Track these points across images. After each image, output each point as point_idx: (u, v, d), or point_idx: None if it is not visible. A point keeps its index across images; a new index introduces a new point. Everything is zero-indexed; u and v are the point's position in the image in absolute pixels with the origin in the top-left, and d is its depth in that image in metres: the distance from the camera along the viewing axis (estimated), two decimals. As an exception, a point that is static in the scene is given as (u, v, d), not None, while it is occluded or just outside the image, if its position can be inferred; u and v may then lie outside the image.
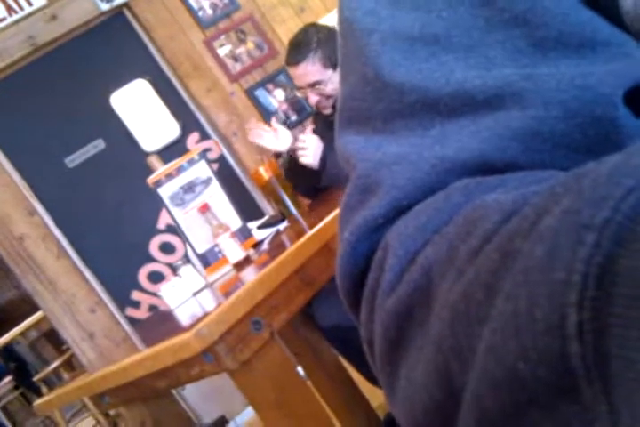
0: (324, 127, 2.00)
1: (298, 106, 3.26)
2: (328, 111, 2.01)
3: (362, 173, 0.28)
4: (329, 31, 1.92)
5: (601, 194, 0.14)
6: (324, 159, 1.85)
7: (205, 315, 1.12)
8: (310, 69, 1.87)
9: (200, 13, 3.16)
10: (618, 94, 0.23)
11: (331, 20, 3.33)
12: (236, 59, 3.20)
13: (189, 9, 3.15)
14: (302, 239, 1.28)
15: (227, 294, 1.29)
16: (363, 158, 0.28)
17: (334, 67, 1.87)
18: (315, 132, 2.04)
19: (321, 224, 1.34)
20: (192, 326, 1.04)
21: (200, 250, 1.54)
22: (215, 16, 3.18)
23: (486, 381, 0.16)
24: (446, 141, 0.25)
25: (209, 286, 1.52)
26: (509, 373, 0.15)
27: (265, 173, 1.93)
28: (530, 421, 0.15)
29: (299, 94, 2.09)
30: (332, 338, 1.81)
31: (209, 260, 1.54)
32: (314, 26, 1.96)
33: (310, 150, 1.86)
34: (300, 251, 1.28)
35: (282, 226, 1.77)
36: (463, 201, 0.22)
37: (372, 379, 1.79)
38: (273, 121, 2.02)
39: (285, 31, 3.22)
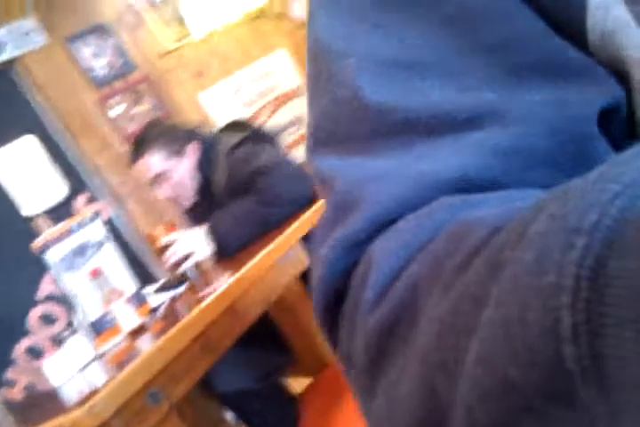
0: (198, 215, 1.89)
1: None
2: (189, 202, 1.90)
3: (341, 189, 0.27)
4: (169, 124, 1.93)
5: (588, 200, 0.14)
6: (218, 238, 1.71)
7: (96, 390, 1.03)
8: (151, 161, 1.80)
9: (94, 72, 3.11)
10: (594, 114, 0.24)
11: (228, 84, 3.37)
12: (130, 119, 3.14)
13: (83, 68, 3.09)
14: (204, 303, 1.23)
15: (120, 366, 1.19)
16: (342, 176, 0.28)
17: (179, 155, 1.81)
18: (191, 223, 1.95)
19: (224, 286, 1.29)
20: (83, 402, 0.95)
21: (90, 318, 1.43)
22: (110, 75, 3.13)
23: (476, 392, 0.16)
24: (428, 159, 0.25)
25: (100, 357, 1.41)
26: (501, 381, 0.15)
27: (162, 234, 1.86)
28: None
29: (142, 195, 2.01)
30: (232, 404, 1.72)
31: (100, 329, 1.43)
32: (154, 122, 1.98)
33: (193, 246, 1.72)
34: (202, 315, 1.22)
35: (180, 290, 1.69)
36: (447, 218, 0.23)
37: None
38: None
39: (183, 94, 3.22)
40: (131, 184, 3.03)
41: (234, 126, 1.96)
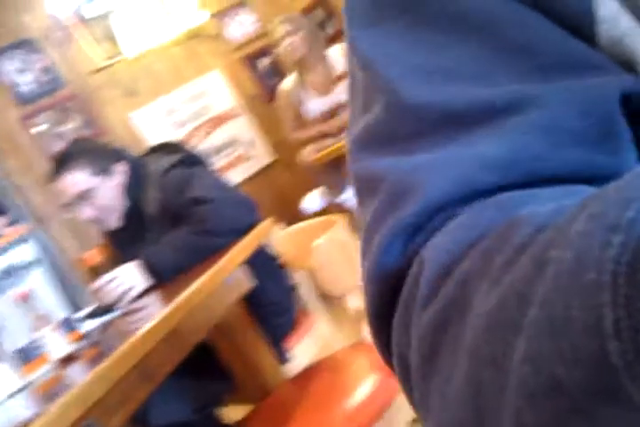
0: (125, 238, 1.79)
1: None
2: (113, 225, 1.79)
3: (393, 181, 0.28)
4: (95, 142, 1.86)
5: (625, 196, 0.14)
6: (156, 267, 1.62)
7: (22, 424, 0.96)
8: (76, 179, 1.67)
9: (19, 88, 2.99)
10: (617, 96, 0.26)
11: (161, 104, 3.31)
12: (58, 137, 3.03)
13: (7, 83, 2.96)
14: (144, 329, 1.17)
15: (48, 396, 1.12)
16: (391, 171, 0.28)
17: (105, 174, 1.71)
18: (116, 247, 1.86)
19: (164, 312, 1.25)
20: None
21: (16, 346, 1.35)
22: (36, 92, 3.02)
23: (524, 392, 0.16)
24: (475, 145, 0.27)
25: (26, 387, 1.33)
26: (548, 380, 0.15)
27: (93, 257, 1.79)
28: None
29: (67, 215, 1.87)
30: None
31: (25, 358, 1.35)
32: (79, 139, 1.90)
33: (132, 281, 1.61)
34: (141, 342, 1.17)
35: (112, 316, 1.62)
36: (497, 216, 0.23)
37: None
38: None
39: (114, 112, 3.14)
40: (56, 204, 2.92)
41: (165, 148, 1.88)
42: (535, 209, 0.21)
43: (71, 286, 2.71)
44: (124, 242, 1.80)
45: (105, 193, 1.71)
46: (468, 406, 0.19)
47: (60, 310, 1.50)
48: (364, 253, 0.29)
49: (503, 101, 0.27)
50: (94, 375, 1.02)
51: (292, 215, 3.25)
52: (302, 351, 1.78)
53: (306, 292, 1.70)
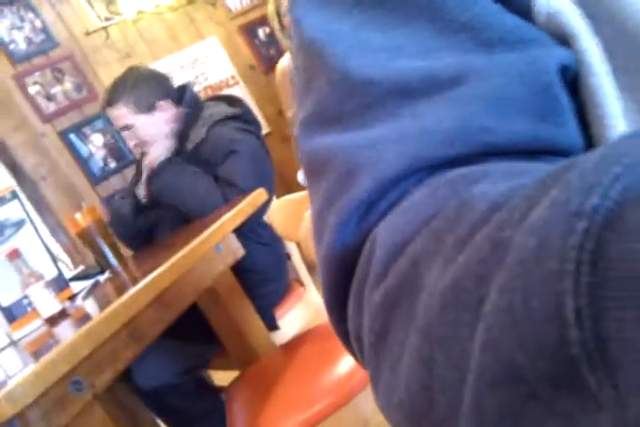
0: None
1: (117, 153, 3.10)
2: (156, 156, 1.93)
3: (342, 159, 0.28)
4: (148, 74, 1.88)
5: (589, 182, 0.14)
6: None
7: (9, 378, 0.96)
8: (119, 113, 1.81)
9: (12, 46, 2.93)
10: (556, 66, 0.27)
11: (157, 68, 3.27)
12: (50, 98, 2.98)
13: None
14: (133, 289, 1.17)
15: (36, 354, 1.12)
16: (340, 148, 0.28)
17: (147, 111, 1.83)
18: (137, 174, 1.96)
19: (154, 274, 1.24)
20: (-1, 388, 0.88)
21: (5, 302, 1.34)
22: (29, 51, 2.96)
23: (484, 379, 0.16)
24: (422, 117, 0.27)
25: (14, 344, 1.32)
26: (508, 368, 0.15)
27: (82, 219, 1.78)
28: (530, 418, 0.15)
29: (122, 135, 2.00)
30: (150, 401, 1.66)
31: (15, 314, 1.34)
32: (135, 68, 1.91)
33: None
34: (131, 302, 1.16)
35: (101, 278, 1.61)
36: (449, 194, 0.23)
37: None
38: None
39: (108, 75, 3.09)
40: (47, 166, 2.89)
41: (227, 99, 1.95)
42: (488, 188, 0.21)
43: (62, 246, 2.70)
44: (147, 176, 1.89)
45: (146, 128, 1.83)
46: (419, 384, 0.19)
47: (49, 269, 1.49)
48: (318, 237, 0.29)
49: (447, 74, 0.27)
50: (82, 333, 1.02)
51: (286, 187, 3.24)
52: (292, 320, 1.79)
53: (297, 261, 1.71)
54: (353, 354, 0.29)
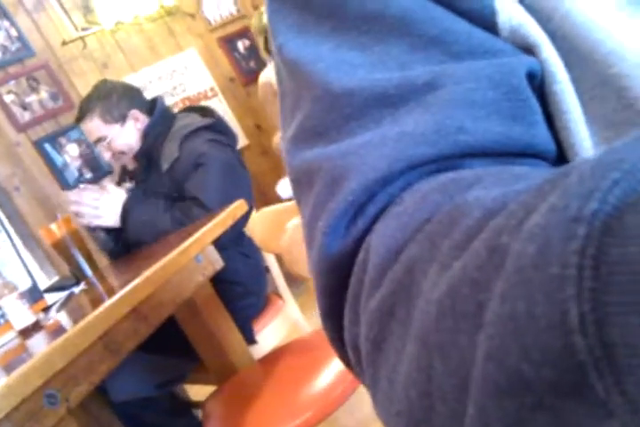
0: (130, 181, 1.91)
1: (93, 163, 3.06)
2: (131, 167, 1.92)
3: (327, 168, 0.28)
4: (118, 86, 1.88)
5: (587, 187, 0.14)
6: (124, 213, 1.75)
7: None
8: (91, 125, 1.82)
9: (-14, 55, 2.89)
10: (524, 71, 0.28)
11: (134, 79, 3.24)
12: (25, 107, 2.94)
13: (-26, 48, 2.86)
14: (110, 301, 1.15)
15: (8, 367, 1.09)
16: (325, 159, 0.29)
17: (119, 121, 1.82)
18: (119, 184, 1.96)
19: (131, 285, 1.22)
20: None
21: (-24, 313, 1.30)
22: (4, 60, 2.92)
23: (489, 389, 0.15)
24: (401, 122, 0.28)
25: (-16, 356, 1.28)
26: (513, 377, 0.14)
27: (57, 230, 1.74)
28: None
29: (97, 149, 1.99)
30: (124, 416, 1.62)
31: (-13, 325, 1.31)
32: (104, 81, 1.92)
33: (105, 210, 1.76)
34: (107, 314, 1.14)
35: (76, 289, 1.58)
36: (442, 200, 0.23)
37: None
38: (106, 181, 1.96)
39: (85, 85, 3.06)
40: (21, 176, 2.84)
41: (199, 110, 1.95)
42: (481, 194, 0.21)
43: (35, 257, 2.65)
44: (136, 181, 1.90)
45: (119, 139, 1.83)
46: (418, 392, 0.19)
47: (23, 280, 1.46)
48: (309, 245, 0.29)
49: (423, 80, 0.28)
50: (57, 345, 1.00)
51: (265, 200, 3.23)
52: (271, 334, 1.78)
53: (277, 274, 1.69)
54: (348, 365, 0.29)
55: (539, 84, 0.29)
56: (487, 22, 0.31)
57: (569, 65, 0.29)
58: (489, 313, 0.16)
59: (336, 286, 0.27)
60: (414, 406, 0.20)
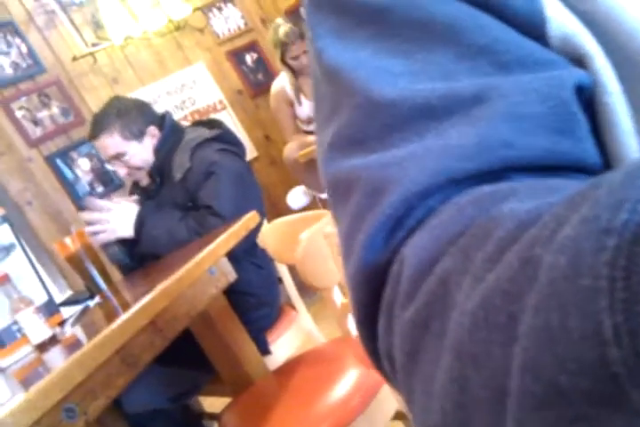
0: (143, 197, 1.92)
1: (105, 177, 3.09)
2: (145, 182, 1.93)
3: (368, 179, 0.28)
4: (132, 103, 1.89)
5: (617, 198, 0.14)
6: (138, 224, 1.75)
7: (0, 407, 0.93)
8: (110, 142, 1.82)
9: (-2, 71, 2.92)
10: (573, 84, 0.28)
11: (144, 93, 3.27)
12: (36, 123, 2.97)
13: (-15, 66, 2.90)
14: (127, 314, 1.15)
15: (25, 381, 1.10)
16: (366, 169, 0.29)
17: (138, 137, 1.84)
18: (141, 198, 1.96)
19: (147, 298, 1.23)
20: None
21: (-7, 328, 1.31)
22: (16, 76, 2.95)
23: (527, 402, 0.15)
24: (445, 135, 0.27)
25: (2, 371, 1.29)
26: (551, 389, 0.14)
27: (71, 243, 1.75)
28: None
29: (109, 167, 2.01)
30: (135, 425, 1.62)
31: (4, 340, 1.31)
32: (117, 98, 1.93)
33: (118, 222, 1.77)
34: (124, 327, 1.14)
35: (91, 303, 1.59)
36: (477, 213, 0.23)
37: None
38: (116, 195, 1.98)
39: (95, 100, 3.09)
40: (33, 191, 2.86)
41: (207, 124, 1.97)
42: (515, 206, 0.21)
43: (50, 272, 2.66)
44: (143, 198, 1.90)
45: (135, 155, 1.84)
46: (453, 404, 0.19)
47: (39, 295, 1.47)
48: (346, 255, 0.29)
49: (469, 92, 0.28)
50: (75, 359, 1.00)
51: (276, 211, 3.24)
52: (284, 344, 1.77)
53: (289, 285, 1.70)
54: (384, 374, 0.29)
55: (588, 96, 0.29)
56: (536, 31, 0.30)
57: (621, 76, 0.29)
58: (523, 325, 0.16)
59: (371, 297, 0.27)
60: (449, 419, 0.20)
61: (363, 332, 0.29)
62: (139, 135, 1.83)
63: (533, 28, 0.30)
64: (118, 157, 1.84)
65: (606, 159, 0.29)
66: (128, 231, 1.76)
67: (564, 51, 0.29)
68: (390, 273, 0.26)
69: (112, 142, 1.82)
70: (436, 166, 0.26)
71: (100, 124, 1.82)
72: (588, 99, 0.29)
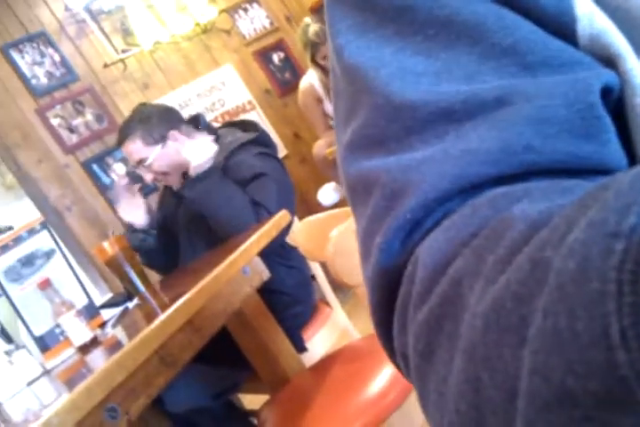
0: (171, 198, 1.96)
1: (140, 181, 3.14)
2: (177, 186, 1.95)
3: (387, 181, 0.28)
4: (156, 109, 1.91)
5: (625, 202, 0.14)
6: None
7: (44, 408, 0.97)
8: (133, 148, 1.85)
9: (33, 81, 3.00)
10: (599, 87, 0.27)
11: (174, 97, 3.32)
12: (72, 130, 3.04)
13: (21, 76, 2.98)
14: (165, 314, 1.18)
15: (69, 383, 1.13)
16: (385, 170, 0.29)
17: (159, 142, 1.85)
18: (161, 203, 2.01)
19: (183, 299, 1.25)
20: (34, 418, 0.89)
21: (38, 332, 1.36)
22: (50, 85, 3.03)
23: (536, 404, 0.15)
24: (466, 139, 0.27)
25: (47, 373, 1.34)
26: (559, 391, 0.15)
27: (110, 247, 1.80)
28: None
29: (138, 172, 2.03)
30: (179, 423, 1.65)
31: (48, 343, 1.36)
32: (142, 105, 1.95)
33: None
34: (162, 328, 1.17)
35: (130, 304, 1.63)
36: (490, 214, 0.23)
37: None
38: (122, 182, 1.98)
39: (128, 105, 3.14)
40: (71, 196, 2.93)
41: (242, 125, 1.98)
42: (528, 207, 0.21)
43: (89, 275, 2.73)
44: (170, 199, 1.95)
45: (158, 160, 1.85)
46: (467, 405, 0.20)
47: (79, 298, 1.51)
48: (364, 257, 0.30)
49: (492, 96, 0.27)
50: (116, 360, 1.03)
51: (306, 207, 3.25)
52: (320, 341, 1.79)
53: (323, 282, 1.71)
54: (401, 371, 0.29)
55: (617, 97, 0.28)
56: (566, 30, 0.29)
57: None
58: (532, 328, 0.16)
59: (388, 299, 0.28)
60: (464, 419, 0.20)
61: (380, 332, 0.29)
62: (160, 140, 1.84)
63: (563, 27, 0.29)
64: (140, 162, 1.86)
65: (636, 160, 0.28)
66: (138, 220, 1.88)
67: (593, 50, 0.29)
68: (405, 274, 0.26)
69: (135, 148, 1.84)
70: (456, 171, 0.26)
71: (123, 131, 1.85)
72: (616, 100, 0.28)
